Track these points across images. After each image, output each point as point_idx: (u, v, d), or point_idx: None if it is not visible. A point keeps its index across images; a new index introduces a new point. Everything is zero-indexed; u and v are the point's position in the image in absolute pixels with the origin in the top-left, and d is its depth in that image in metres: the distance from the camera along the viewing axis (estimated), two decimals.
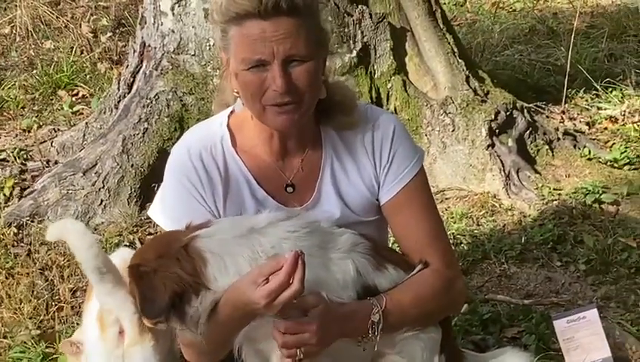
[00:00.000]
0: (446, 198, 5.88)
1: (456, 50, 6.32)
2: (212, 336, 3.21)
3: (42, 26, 8.96)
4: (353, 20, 5.96)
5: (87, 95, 7.57)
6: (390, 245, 4.07)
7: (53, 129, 6.88)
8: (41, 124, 7.01)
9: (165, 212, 3.46)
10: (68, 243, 3.39)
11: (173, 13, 5.97)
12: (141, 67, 6.18)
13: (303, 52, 3.15)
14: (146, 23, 6.18)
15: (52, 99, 7.53)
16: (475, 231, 5.55)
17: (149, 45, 6.14)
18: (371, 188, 3.49)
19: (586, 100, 7.28)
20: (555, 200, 5.81)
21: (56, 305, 4.92)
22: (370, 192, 3.49)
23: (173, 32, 6.00)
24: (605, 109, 7.08)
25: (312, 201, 3.44)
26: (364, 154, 3.46)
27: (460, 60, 6.28)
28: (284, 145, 3.41)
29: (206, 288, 3.08)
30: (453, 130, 6.08)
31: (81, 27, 8.84)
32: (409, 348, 3.36)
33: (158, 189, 3.70)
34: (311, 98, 3.25)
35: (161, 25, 6.03)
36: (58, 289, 5.01)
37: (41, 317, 4.84)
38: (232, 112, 3.48)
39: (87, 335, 3.58)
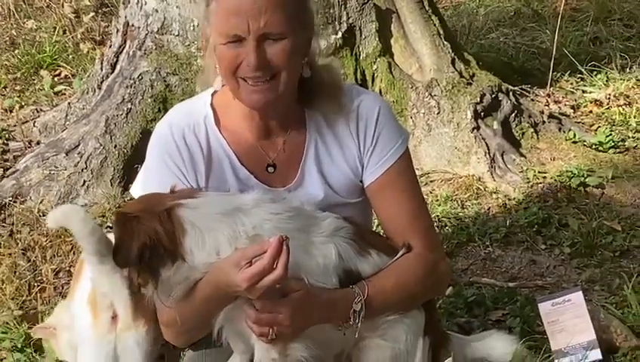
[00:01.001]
0: (431, 181, 5.87)
1: (441, 32, 6.29)
2: (192, 316, 3.21)
3: (24, 6, 8.87)
4: (338, 1, 5.93)
5: (70, 75, 7.50)
6: (374, 228, 4.04)
7: (36, 109, 6.83)
8: (23, 104, 6.96)
9: (147, 190, 3.39)
10: (70, 229, 3.35)
11: None
12: (124, 47, 6.14)
13: (279, 29, 3.13)
14: (129, 2, 6.13)
15: (34, 79, 7.48)
16: (460, 214, 5.54)
17: (133, 25, 6.09)
18: (355, 170, 3.46)
19: (571, 83, 7.26)
20: (540, 183, 5.81)
21: (38, 285, 4.89)
22: (354, 174, 3.46)
23: (156, 11, 5.96)
24: (590, 93, 7.07)
25: (296, 183, 3.42)
26: (348, 136, 3.43)
27: (445, 42, 6.25)
28: (266, 125, 3.38)
29: (182, 258, 3.05)
30: (438, 113, 6.06)
31: (63, 7, 8.74)
32: (392, 331, 3.34)
33: (140, 169, 3.66)
34: (287, 77, 3.21)
35: (145, 4, 5.99)
36: (40, 270, 4.98)
37: (24, 298, 4.81)
38: (216, 91, 3.44)
39: (78, 320, 3.54)
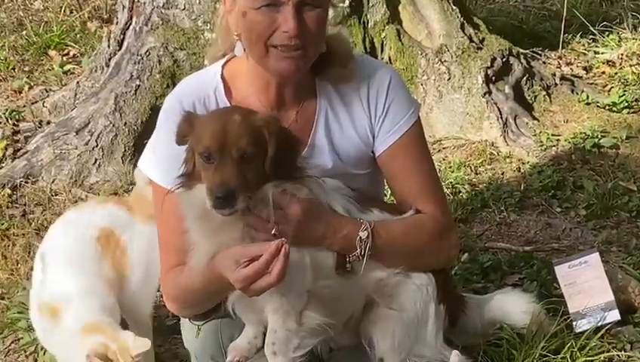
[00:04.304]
0: (443, 148, 5.83)
1: None
2: (195, 296, 3.28)
3: None
4: None
5: (78, 54, 7.50)
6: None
7: (45, 89, 6.81)
8: (32, 84, 6.95)
9: (156, 163, 3.40)
10: None
11: None
12: (131, 23, 6.11)
13: None
14: None
15: (42, 60, 7.47)
16: (474, 180, 5.51)
17: (139, 0, 6.06)
18: (366, 140, 3.42)
19: (583, 45, 7.21)
20: (554, 146, 5.77)
21: None
22: (364, 144, 3.43)
23: None
24: (602, 53, 7.01)
25: (306, 153, 3.36)
26: (359, 106, 3.40)
27: (454, 7, 6.20)
28: (281, 95, 3.34)
29: None
30: (449, 79, 6.02)
31: None
32: (399, 298, 3.31)
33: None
34: (316, 46, 3.20)
35: None
36: None
37: None
38: (226, 63, 3.40)
39: None
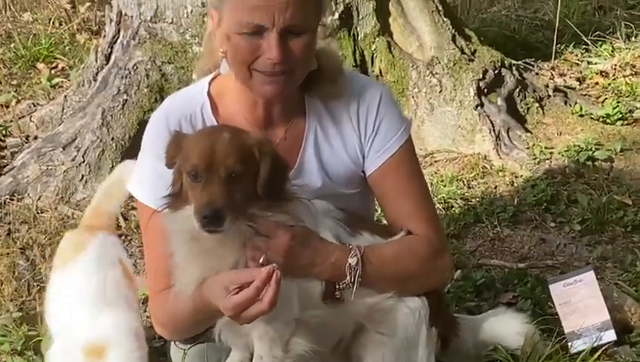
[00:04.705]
0: (435, 161, 5.77)
1: (441, 8, 6.17)
2: (183, 321, 3.24)
3: None
4: None
5: (67, 67, 7.41)
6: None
7: (32, 103, 6.72)
8: (19, 98, 6.85)
9: (142, 183, 3.35)
10: None
11: None
12: (118, 37, 6.03)
13: (303, 23, 3.05)
14: None
15: (30, 73, 7.37)
16: (467, 194, 5.44)
17: (126, 14, 5.98)
18: (355, 160, 3.37)
19: (576, 55, 7.17)
20: (547, 159, 5.71)
21: (38, 285, 4.77)
22: (354, 163, 3.38)
23: None
24: (596, 64, 6.98)
25: (295, 172, 3.31)
26: (348, 124, 3.35)
27: (445, 19, 6.14)
28: (269, 114, 3.29)
29: None
30: (440, 91, 5.95)
31: None
32: (389, 323, 3.25)
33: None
34: (302, 71, 3.16)
35: None
36: (40, 269, 4.87)
37: (23, 299, 4.70)
38: (213, 79, 3.35)
39: None
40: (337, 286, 3.14)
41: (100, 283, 3.64)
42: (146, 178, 3.33)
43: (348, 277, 3.12)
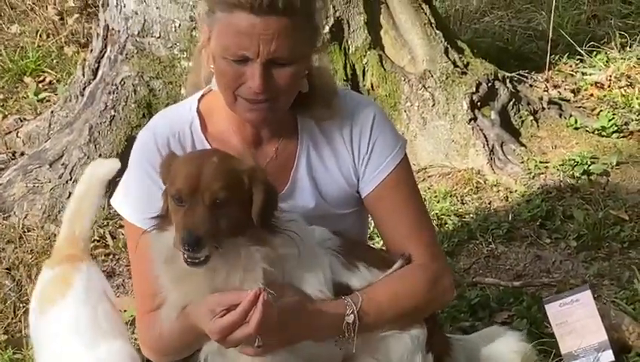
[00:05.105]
0: (428, 176, 5.69)
1: (433, 20, 6.08)
2: (170, 343, 3.17)
3: (8, 10, 8.65)
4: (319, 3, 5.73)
5: (54, 80, 7.32)
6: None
7: (19, 118, 6.63)
8: (6, 113, 6.77)
9: (128, 201, 3.30)
10: None
11: None
12: (105, 52, 5.94)
13: (288, 55, 2.99)
14: (108, 5, 5.92)
15: (17, 87, 7.28)
16: (460, 210, 5.36)
17: (113, 28, 5.89)
18: (350, 181, 3.32)
19: (570, 66, 7.09)
20: (542, 173, 5.64)
21: (24, 306, 4.67)
22: (348, 184, 3.32)
23: (136, 13, 5.75)
24: (590, 75, 6.90)
25: (287, 192, 3.27)
26: (341, 144, 3.30)
27: (437, 31, 6.05)
28: (257, 134, 3.24)
29: None
30: (433, 105, 5.87)
31: (47, 9, 8.55)
32: (385, 349, 3.19)
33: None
34: (287, 98, 3.11)
35: (124, 7, 5.78)
36: (26, 290, 4.78)
37: (9, 321, 4.60)
38: (202, 96, 3.31)
39: None
40: (336, 341, 3.09)
41: (93, 317, 3.53)
42: (132, 196, 3.28)
43: (347, 334, 3.07)
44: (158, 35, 5.74)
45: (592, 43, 7.22)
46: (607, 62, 7.08)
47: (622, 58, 7.09)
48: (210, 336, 2.88)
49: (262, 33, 2.91)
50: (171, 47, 5.73)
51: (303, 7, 3.00)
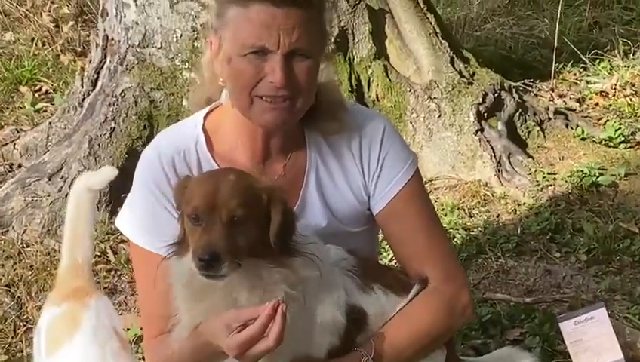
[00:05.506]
0: (435, 189, 5.62)
1: (438, 30, 6.03)
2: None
3: (1, 17, 8.57)
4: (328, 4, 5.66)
5: (51, 90, 7.23)
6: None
7: (16, 129, 6.53)
8: (2, 124, 6.68)
9: (133, 222, 3.19)
10: None
11: (137, 4, 5.65)
12: (105, 62, 5.85)
13: (308, 47, 2.92)
14: (107, 14, 5.84)
15: (13, 97, 7.18)
16: (468, 224, 5.30)
17: (113, 39, 5.80)
18: (360, 198, 3.21)
19: (574, 74, 7.06)
20: (550, 185, 5.58)
21: (24, 325, 4.61)
22: (358, 201, 3.22)
23: (137, 24, 5.67)
24: (595, 83, 6.86)
25: (297, 210, 3.14)
26: (350, 160, 3.20)
27: (443, 41, 6.00)
28: (267, 146, 3.13)
29: None
30: (439, 116, 5.81)
31: (41, 16, 8.46)
32: None
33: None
34: (305, 99, 3.00)
35: (124, 17, 5.70)
36: (26, 308, 4.69)
37: (9, 340, 4.52)
38: (208, 113, 3.21)
39: None
40: None
41: (101, 357, 3.40)
42: (137, 217, 3.18)
43: None
44: (159, 46, 5.65)
45: (595, 51, 7.19)
46: (610, 70, 7.06)
47: (625, 66, 7.07)
48: (227, 353, 2.77)
49: (282, 24, 2.85)
50: (173, 57, 5.65)
51: (319, 1, 2.98)
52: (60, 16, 8.52)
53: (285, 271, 2.79)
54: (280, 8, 2.85)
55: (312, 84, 3.00)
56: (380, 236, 3.51)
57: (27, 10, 8.61)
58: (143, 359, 3.44)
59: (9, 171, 5.96)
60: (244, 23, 2.89)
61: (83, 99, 5.93)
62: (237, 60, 2.92)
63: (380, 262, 3.69)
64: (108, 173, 3.82)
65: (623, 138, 5.98)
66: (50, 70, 7.53)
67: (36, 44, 7.93)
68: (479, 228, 5.24)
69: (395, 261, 3.40)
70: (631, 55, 7.25)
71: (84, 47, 7.82)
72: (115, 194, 5.28)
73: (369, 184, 3.20)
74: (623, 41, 7.40)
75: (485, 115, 5.84)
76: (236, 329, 2.71)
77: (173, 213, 3.05)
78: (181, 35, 5.58)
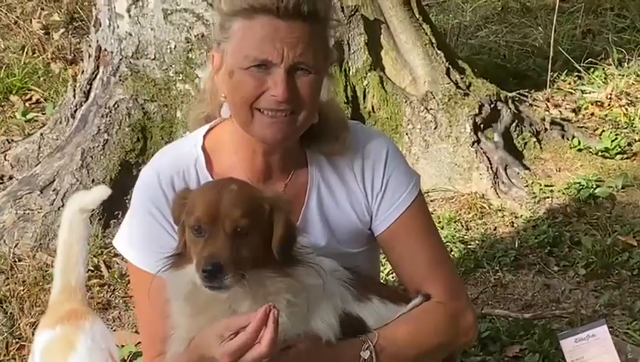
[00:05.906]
0: (431, 201, 5.57)
1: (434, 40, 6.00)
2: None
3: None
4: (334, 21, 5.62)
5: (42, 99, 7.16)
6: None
7: (7, 140, 6.45)
8: None
9: (132, 243, 3.14)
10: None
11: (130, 15, 5.59)
12: (98, 73, 5.79)
13: (312, 62, 2.88)
14: (100, 25, 5.77)
15: (4, 106, 7.11)
16: (466, 237, 5.26)
17: (105, 50, 5.74)
18: (362, 218, 3.17)
19: (569, 83, 7.04)
20: (547, 197, 5.55)
21: (16, 342, 4.54)
22: (360, 221, 3.18)
23: (130, 35, 5.62)
24: (590, 93, 6.83)
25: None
26: (353, 180, 3.16)
27: (438, 52, 5.97)
28: (268, 165, 3.09)
29: None
30: (435, 128, 5.77)
31: (31, 23, 8.39)
32: None
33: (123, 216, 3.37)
34: (307, 114, 2.96)
35: (117, 28, 5.64)
36: (19, 324, 4.62)
37: (1, 358, 4.46)
38: (208, 131, 3.16)
39: None
40: None
41: None
42: (136, 238, 3.12)
43: None
44: (152, 57, 5.60)
45: (589, 59, 7.16)
46: (605, 78, 7.03)
47: (620, 75, 7.05)
48: (221, 360, 2.72)
49: (287, 37, 2.83)
50: (166, 69, 5.59)
51: (324, 16, 2.93)
52: (50, 24, 8.46)
53: (289, 281, 2.76)
54: (285, 21, 2.83)
55: (314, 99, 2.96)
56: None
57: (17, 17, 8.55)
58: None
59: (0, 183, 5.88)
60: (248, 36, 2.86)
61: (75, 111, 5.87)
62: (239, 73, 2.89)
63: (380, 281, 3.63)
64: (101, 192, 3.76)
65: (619, 149, 5.96)
66: (41, 79, 7.45)
67: (26, 52, 7.85)
68: (476, 241, 5.21)
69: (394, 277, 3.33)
70: (625, 63, 7.22)
71: (74, 55, 7.77)
72: (109, 208, 5.24)
73: (372, 205, 3.17)
74: (617, 49, 7.38)
75: (482, 126, 5.81)
76: (228, 337, 2.68)
77: (172, 233, 3.01)
78: (175, 47, 5.53)
